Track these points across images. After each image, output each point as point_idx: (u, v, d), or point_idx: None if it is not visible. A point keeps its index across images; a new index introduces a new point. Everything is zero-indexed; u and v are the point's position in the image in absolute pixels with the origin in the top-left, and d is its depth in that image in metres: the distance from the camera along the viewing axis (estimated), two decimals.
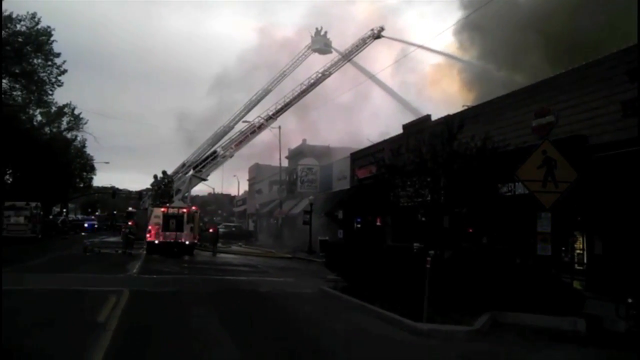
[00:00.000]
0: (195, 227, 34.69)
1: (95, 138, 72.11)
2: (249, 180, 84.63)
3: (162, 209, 34.21)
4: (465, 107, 25.09)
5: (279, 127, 48.54)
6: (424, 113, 30.96)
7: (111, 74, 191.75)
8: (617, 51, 16.21)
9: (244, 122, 44.89)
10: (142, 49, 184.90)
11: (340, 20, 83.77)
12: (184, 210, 34.69)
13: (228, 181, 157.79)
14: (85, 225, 66.78)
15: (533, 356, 9.95)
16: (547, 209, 12.30)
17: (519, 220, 16.44)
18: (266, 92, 46.58)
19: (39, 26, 41.35)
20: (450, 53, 45.43)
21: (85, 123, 59.53)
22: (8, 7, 40.01)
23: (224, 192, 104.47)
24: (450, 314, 11.62)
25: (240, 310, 13.82)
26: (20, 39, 40.35)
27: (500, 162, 14.27)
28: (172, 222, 33.24)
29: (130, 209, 42.86)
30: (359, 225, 34.96)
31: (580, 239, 17.08)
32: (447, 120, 19.42)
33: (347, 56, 46.78)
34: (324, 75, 45.87)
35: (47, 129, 56.60)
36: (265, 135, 47.21)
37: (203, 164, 42.83)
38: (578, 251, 17.13)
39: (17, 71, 41.09)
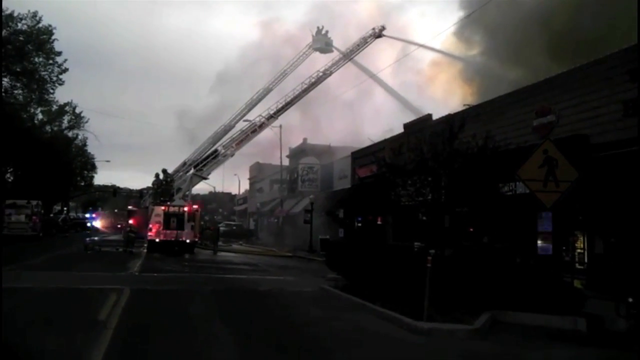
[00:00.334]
0: (196, 225, 34.75)
1: (96, 137, 72.33)
2: (249, 179, 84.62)
3: (163, 208, 34.28)
4: (466, 107, 25.07)
5: (280, 126, 48.61)
6: (425, 112, 30.94)
7: (112, 73, 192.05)
8: (618, 50, 16.19)
9: (245, 120, 44.91)
10: (143, 47, 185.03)
11: (341, 18, 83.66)
12: (185, 208, 34.74)
13: (229, 180, 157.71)
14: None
15: (533, 355, 9.95)
16: (548, 208, 12.29)
17: (520, 219, 16.43)
18: (267, 91, 46.58)
19: (40, 25, 41.41)
20: (451, 52, 45.32)
21: (87, 122, 59.64)
22: (9, 6, 40.13)
23: (225, 191, 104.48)
24: (451, 313, 11.62)
25: (241, 308, 13.83)
26: (21, 38, 40.38)
27: (501, 161, 14.26)
28: (173, 221, 33.32)
29: (131, 207, 42.82)
30: (359, 224, 34.93)
31: (581, 238, 17.06)
32: (448, 119, 19.41)
33: (348, 55, 46.75)
34: (325, 75, 45.84)
35: (48, 128, 56.69)
36: (266, 134, 47.25)
37: (204, 163, 42.82)
38: (579, 250, 17.11)
39: (18, 70, 41.11)
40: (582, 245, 17.00)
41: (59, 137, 56.68)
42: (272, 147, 54.52)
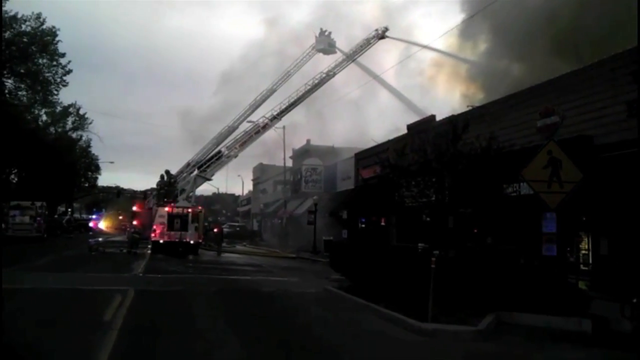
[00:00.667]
0: (199, 226, 34.83)
1: (100, 138, 72.50)
2: (253, 180, 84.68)
3: (167, 209, 34.34)
4: (470, 107, 25.05)
5: (284, 127, 48.58)
6: (429, 113, 30.92)
7: (116, 74, 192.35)
8: (622, 51, 16.16)
9: (248, 122, 44.87)
10: (146, 48, 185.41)
11: (344, 19, 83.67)
12: (189, 209, 34.78)
13: (232, 181, 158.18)
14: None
15: (538, 356, 9.94)
16: (552, 209, 12.28)
17: (524, 220, 16.41)
18: (271, 92, 46.56)
19: (44, 26, 41.42)
20: (455, 52, 45.20)
21: (90, 123, 59.79)
22: (13, 8, 40.14)
23: (228, 192, 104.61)
24: (455, 314, 11.61)
25: (245, 309, 13.84)
26: (25, 39, 40.41)
27: (506, 162, 14.26)
28: (176, 222, 33.39)
29: (135, 208, 42.90)
30: (363, 225, 34.96)
31: (586, 239, 17.03)
32: (452, 120, 19.40)
33: (352, 56, 46.74)
34: (329, 76, 45.82)
35: (52, 129, 56.76)
36: (269, 135, 47.22)
37: (208, 164, 42.83)
38: (583, 251, 17.08)
39: (22, 71, 41.19)
40: (586, 246, 16.97)
41: (63, 139, 56.77)
42: (275, 148, 54.58)
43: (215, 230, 40.42)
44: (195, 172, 42.78)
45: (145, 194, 49.99)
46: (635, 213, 13.75)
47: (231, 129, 45.13)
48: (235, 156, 43.91)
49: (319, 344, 10.05)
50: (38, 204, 40.99)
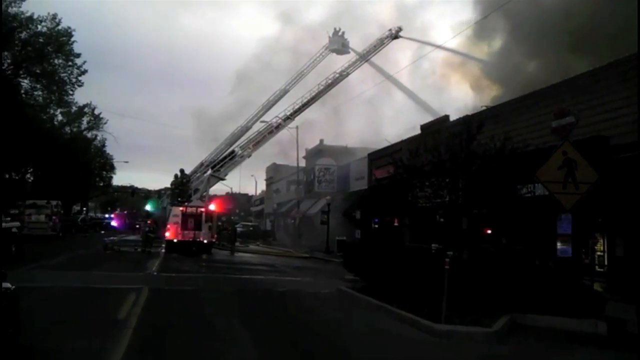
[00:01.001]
0: (213, 226, 34.96)
1: (115, 138, 73.02)
2: (266, 180, 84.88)
3: (181, 208, 34.53)
4: (484, 108, 24.95)
5: (297, 127, 48.68)
6: (442, 113, 30.83)
7: (130, 74, 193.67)
8: (638, 51, 16.00)
9: (261, 122, 45.11)
10: (160, 48, 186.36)
11: (358, 19, 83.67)
12: (202, 209, 34.94)
13: (246, 181, 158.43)
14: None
15: (553, 358, 9.89)
16: (567, 210, 12.19)
17: (539, 221, 16.31)
18: (284, 92, 46.71)
19: (59, 27, 41.78)
20: (469, 50, 44.93)
21: (105, 123, 60.29)
22: (29, 8, 40.53)
23: (242, 192, 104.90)
24: (469, 315, 11.56)
25: (258, 309, 13.89)
26: (41, 40, 40.77)
27: (520, 162, 14.18)
28: (190, 221, 33.53)
29: (149, 208, 43.29)
30: (376, 226, 34.91)
31: (601, 240, 16.90)
32: (466, 120, 19.32)
33: (365, 56, 46.74)
34: (342, 76, 45.89)
35: (67, 129, 57.31)
36: (283, 135, 47.37)
37: (221, 164, 43.07)
38: (599, 253, 16.95)
39: (38, 71, 41.55)
40: (602, 248, 16.84)
41: (78, 138, 57.31)
42: (289, 148, 54.70)
43: (228, 229, 40.57)
44: (209, 171, 43.04)
45: (159, 194, 50.38)
46: None
47: (244, 129, 45.35)
48: (249, 156, 44.13)
49: (332, 344, 10.07)
50: (54, 202, 41.38)
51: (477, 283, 12.40)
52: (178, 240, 33.12)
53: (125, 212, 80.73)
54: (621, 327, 11.12)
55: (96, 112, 58.94)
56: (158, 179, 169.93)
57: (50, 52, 41.77)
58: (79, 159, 52.47)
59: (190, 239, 33.11)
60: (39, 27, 41.05)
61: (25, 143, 37.69)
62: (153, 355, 8.63)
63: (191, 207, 35.38)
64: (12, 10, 38.25)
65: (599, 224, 16.56)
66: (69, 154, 48.21)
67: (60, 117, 54.08)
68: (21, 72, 40.71)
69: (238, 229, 48.11)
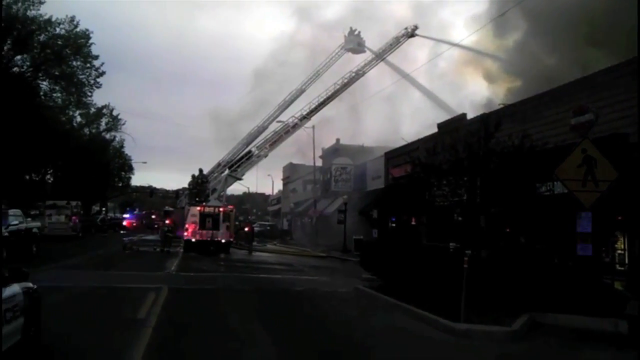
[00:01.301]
0: (231, 225, 35.13)
1: (133, 138, 73.58)
2: (283, 179, 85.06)
3: (199, 208, 34.74)
4: (502, 105, 24.79)
5: (313, 127, 48.66)
6: (459, 111, 30.64)
7: (148, 75, 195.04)
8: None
9: (278, 121, 45.10)
10: (177, 49, 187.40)
11: (374, 18, 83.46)
12: (220, 209, 35.12)
13: (262, 180, 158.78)
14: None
15: (573, 358, 9.82)
16: (587, 208, 12.09)
17: (558, 220, 16.18)
18: (300, 92, 46.67)
19: (77, 29, 42.12)
20: (485, 49, 44.52)
21: (124, 124, 60.85)
22: (48, 11, 40.88)
23: (259, 192, 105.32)
24: (488, 314, 11.52)
25: (277, 308, 13.95)
26: (59, 42, 41.14)
27: (539, 160, 14.08)
28: (208, 221, 33.75)
29: (167, 207, 43.56)
30: (393, 225, 34.84)
31: (622, 239, 16.73)
32: (483, 118, 19.21)
33: (381, 55, 46.58)
34: (358, 75, 45.75)
35: (86, 130, 57.86)
36: (299, 135, 47.36)
37: (238, 164, 43.16)
38: (619, 251, 16.77)
39: (57, 73, 41.92)
40: (622, 246, 16.67)
41: (97, 139, 57.88)
42: (305, 147, 54.71)
43: (246, 229, 40.73)
44: (226, 171, 43.15)
45: (177, 194, 50.68)
46: None
47: (261, 129, 45.41)
48: (265, 156, 44.17)
49: (351, 343, 10.07)
50: (73, 203, 41.86)
51: (495, 282, 12.34)
52: (196, 240, 33.35)
53: (144, 212, 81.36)
54: None
55: (114, 113, 59.56)
56: (176, 179, 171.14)
57: (68, 54, 42.11)
58: (97, 160, 52.98)
59: (208, 239, 33.32)
60: (58, 29, 41.40)
61: (45, 144, 38.13)
62: (173, 354, 8.70)
63: (209, 207, 35.58)
64: (31, 13, 38.68)
65: (619, 222, 16.39)
66: (88, 155, 48.71)
67: (79, 119, 54.67)
68: (40, 74, 41.13)
69: (255, 229, 48.28)
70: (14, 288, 7.15)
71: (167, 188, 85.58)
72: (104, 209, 72.75)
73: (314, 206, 53.38)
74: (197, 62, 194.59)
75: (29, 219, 29.01)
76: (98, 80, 44.37)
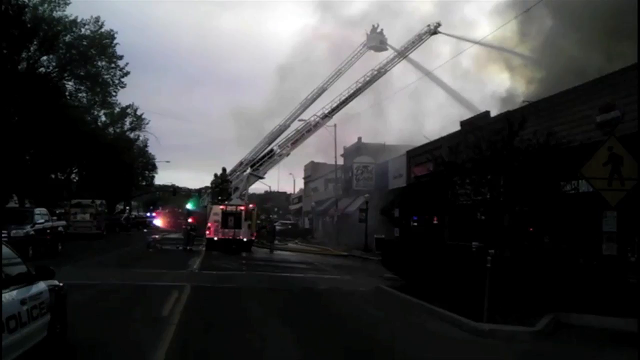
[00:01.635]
0: (252, 224, 35.30)
1: (157, 138, 74.22)
2: (304, 178, 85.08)
3: (221, 207, 34.97)
4: (526, 103, 24.51)
5: (335, 125, 48.59)
6: (482, 107, 30.42)
7: (170, 74, 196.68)
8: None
9: (299, 120, 45.16)
10: (200, 49, 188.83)
11: (397, 15, 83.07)
12: (242, 207, 35.30)
13: (284, 179, 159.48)
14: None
15: (597, 358, 9.69)
16: (613, 207, 11.91)
17: (583, 219, 15.95)
18: (322, 91, 46.65)
19: (102, 30, 42.58)
20: (510, 45, 43.93)
21: (147, 123, 61.38)
22: (73, 12, 41.41)
23: (280, 190, 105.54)
24: (512, 314, 11.41)
25: (298, 307, 13.98)
26: (84, 43, 41.61)
27: (564, 159, 13.89)
28: (230, 220, 33.97)
29: (190, 206, 43.95)
30: (415, 224, 34.65)
31: None
32: (507, 116, 19.02)
33: (403, 53, 46.37)
34: (380, 73, 45.63)
35: (111, 130, 58.51)
36: (321, 134, 47.35)
37: (260, 163, 43.34)
38: None
39: (82, 74, 42.42)
40: None
41: (121, 139, 58.49)
42: (326, 146, 54.68)
43: (267, 227, 40.87)
44: (248, 170, 43.36)
45: (199, 193, 51.06)
46: None
47: (283, 128, 45.52)
48: (287, 155, 44.29)
49: (374, 342, 10.05)
50: (98, 202, 42.48)
51: (519, 282, 12.22)
52: (218, 239, 33.61)
53: (167, 210, 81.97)
54: None
55: (138, 112, 60.15)
56: (198, 178, 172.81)
57: (93, 54, 42.56)
58: (122, 159, 53.57)
59: (230, 237, 33.55)
60: (83, 30, 41.89)
61: (70, 144, 38.65)
62: (196, 352, 8.75)
63: (231, 205, 35.79)
64: (57, 14, 39.20)
65: None
66: (112, 154, 49.27)
67: (103, 118, 55.28)
68: (66, 74, 41.62)
69: (277, 227, 48.43)
70: (41, 286, 7.27)
71: (190, 187, 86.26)
72: (128, 207, 73.52)
73: (335, 205, 53.35)
74: (220, 61, 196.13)
75: (55, 218, 29.52)
76: (122, 80, 44.87)
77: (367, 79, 45.20)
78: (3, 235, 18.70)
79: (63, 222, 30.92)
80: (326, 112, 44.67)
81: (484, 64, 52.45)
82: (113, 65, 43.99)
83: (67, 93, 42.36)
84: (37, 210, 25.42)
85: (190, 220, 34.55)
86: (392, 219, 37.13)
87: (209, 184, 43.67)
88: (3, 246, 6.99)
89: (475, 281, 11.71)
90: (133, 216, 71.05)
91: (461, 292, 12.84)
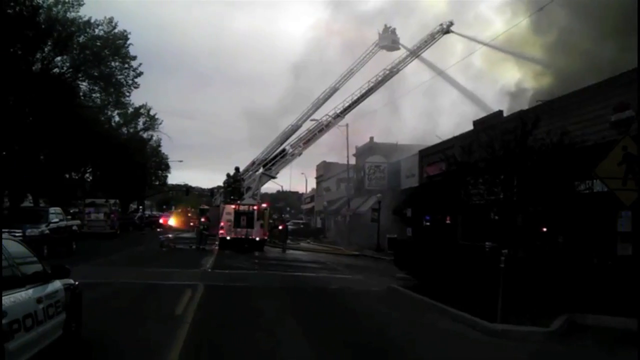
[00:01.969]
0: (265, 223, 35.36)
1: (170, 137, 74.61)
2: (316, 178, 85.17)
3: (234, 206, 35.07)
4: (539, 102, 24.35)
5: (347, 125, 48.56)
6: (495, 108, 30.22)
7: (183, 74, 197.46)
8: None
9: (311, 120, 45.17)
10: (213, 49, 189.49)
11: (410, 14, 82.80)
12: (254, 207, 35.38)
13: (296, 179, 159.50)
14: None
15: (611, 359, 9.62)
16: (628, 207, 11.81)
17: (598, 219, 15.84)
18: (334, 90, 46.63)
19: (115, 30, 42.78)
20: (521, 42, 43.53)
21: (160, 123, 61.54)
22: (87, 13, 41.64)
23: (292, 190, 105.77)
24: (525, 314, 11.36)
25: (311, 306, 13.99)
26: (98, 43, 41.84)
27: (578, 158, 13.80)
28: (242, 219, 34.05)
29: (203, 205, 44.07)
30: (428, 223, 34.57)
31: None
32: (520, 115, 18.92)
33: (415, 52, 46.22)
34: (392, 72, 45.51)
35: (124, 130, 58.81)
36: (333, 133, 47.33)
37: (272, 162, 43.39)
38: None
39: (96, 74, 42.65)
40: None
41: (134, 139, 58.80)
42: (339, 146, 54.64)
43: (280, 227, 40.93)
44: (261, 170, 43.42)
45: (212, 192, 51.21)
46: None
47: (295, 128, 45.55)
48: (299, 154, 44.30)
49: (386, 342, 10.04)
50: (111, 201, 42.72)
51: (533, 282, 12.15)
52: (231, 238, 33.72)
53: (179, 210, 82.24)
54: None
55: (151, 112, 60.41)
56: (211, 177, 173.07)
57: (107, 55, 42.73)
58: (135, 159, 53.87)
59: (243, 237, 33.65)
60: (96, 30, 42.11)
61: (84, 144, 38.91)
62: (209, 350, 8.79)
63: (243, 205, 35.88)
64: (71, 15, 39.43)
65: None
66: (126, 154, 49.56)
67: (117, 118, 55.52)
68: (80, 75, 41.87)
69: (289, 227, 48.49)
70: (56, 284, 7.34)
71: (203, 186, 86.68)
72: (141, 207, 73.92)
73: (347, 204, 53.32)
74: (231, 61, 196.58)
75: (69, 217, 29.76)
76: (136, 80, 45.08)
77: (379, 78, 45.11)
78: (18, 234, 18.88)
79: (77, 221, 31.15)
80: (338, 111, 44.63)
81: (496, 61, 52.06)
82: (126, 65, 44.15)
83: (81, 93, 42.63)
84: (52, 210, 25.62)
85: (203, 219, 34.67)
86: (404, 219, 37.06)
87: (221, 184, 43.75)
88: (19, 245, 7.08)
89: (488, 281, 11.67)
90: (147, 215, 71.35)
91: (474, 292, 12.79)
